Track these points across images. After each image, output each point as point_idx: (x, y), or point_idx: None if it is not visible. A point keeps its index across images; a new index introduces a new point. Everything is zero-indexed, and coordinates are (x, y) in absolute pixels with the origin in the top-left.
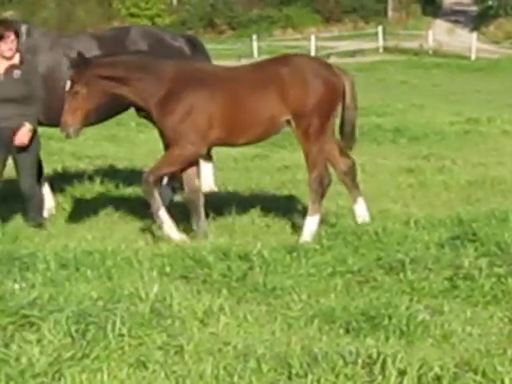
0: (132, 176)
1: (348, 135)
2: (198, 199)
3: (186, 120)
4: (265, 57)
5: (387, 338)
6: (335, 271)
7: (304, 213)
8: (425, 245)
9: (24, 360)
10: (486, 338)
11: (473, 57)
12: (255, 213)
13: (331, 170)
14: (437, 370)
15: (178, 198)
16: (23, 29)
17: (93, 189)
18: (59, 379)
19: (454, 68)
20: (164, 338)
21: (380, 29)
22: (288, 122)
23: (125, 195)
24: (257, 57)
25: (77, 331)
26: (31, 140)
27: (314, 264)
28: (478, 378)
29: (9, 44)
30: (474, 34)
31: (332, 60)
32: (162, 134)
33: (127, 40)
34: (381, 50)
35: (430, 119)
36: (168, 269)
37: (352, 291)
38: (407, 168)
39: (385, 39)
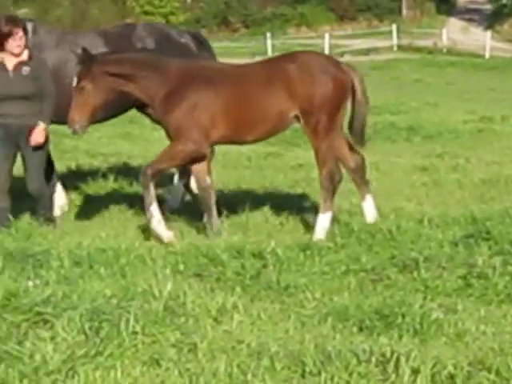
0: None
1: (358, 132)
2: (210, 197)
3: (189, 117)
4: None
5: (401, 337)
6: (349, 269)
7: (318, 211)
8: (439, 243)
9: (38, 357)
10: (500, 336)
11: (487, 55)
12: (269, 211)
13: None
14: (450, 368)
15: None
16: (29, 27)
17: (107, 186)
18: (73, 376)
19: (468, 66)
20: (177, 335)
21: (394, 27)
22: (296, 117)
23: (139, 193)
24: (271, 55)
25: (90, 329)
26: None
27: (327, 262)
28: (492, 376)
29: (17, 41)
30: (488, 33)
31: (346, 58)
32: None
33: (133, 36)
34: (395, 49)
35: (444, 117)
36: (182, 267)
37: (366, 289)
38: (421, 166)
39: (399, 37)
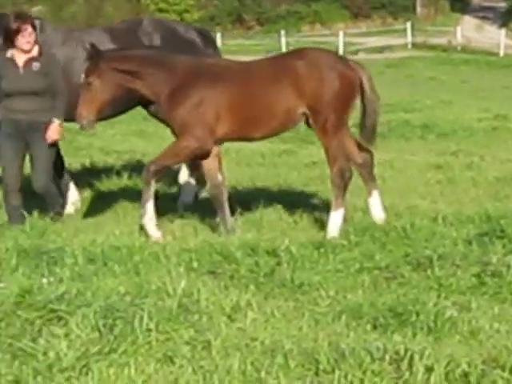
0: None
1: (370, 130)
2: (222, 194)
3: (194, 114)
4: None
5: (414, 335)
6: (363, 267)
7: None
8: (453, 241)
9: (52, 354)
10: None
11: (501, 53)
12: (283, 209)
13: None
14: (464, 366)
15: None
16: (36, 25)
17: (121, 184)
18: (86, 373)
19: (482, 64)
20: (191, 333)
21: (408, 25)
22: (304, 115)
23: None
24: None
25: (104, 326)
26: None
27: (341, 260)
28: (506, 374)
29: (26, 37)
30: (503, 31)
31: (360, 56)
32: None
33: (140, 32)
34: (409, 46)
35: (458, 115)
36: (195, 264)
37: (379, 287)
38: (435, 164)
39: (413, 35)
